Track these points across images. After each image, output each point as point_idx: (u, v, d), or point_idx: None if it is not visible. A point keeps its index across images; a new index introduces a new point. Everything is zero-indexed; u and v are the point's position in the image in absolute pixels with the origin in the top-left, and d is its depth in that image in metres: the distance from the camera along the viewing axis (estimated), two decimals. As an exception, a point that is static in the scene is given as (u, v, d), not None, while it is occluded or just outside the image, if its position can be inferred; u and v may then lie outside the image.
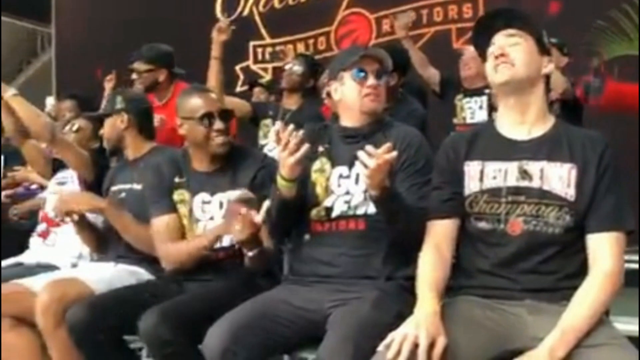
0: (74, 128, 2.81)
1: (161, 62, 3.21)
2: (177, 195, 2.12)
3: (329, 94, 2.03)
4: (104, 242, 2.39)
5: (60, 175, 2.86)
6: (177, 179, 2.13)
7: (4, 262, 2.54)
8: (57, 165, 2.99)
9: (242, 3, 6.62)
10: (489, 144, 1.64)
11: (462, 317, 1.51)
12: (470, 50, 3.86)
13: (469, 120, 3.66)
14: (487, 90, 3.66)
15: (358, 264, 1.77)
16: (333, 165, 1.85)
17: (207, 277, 2.04)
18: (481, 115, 3.63)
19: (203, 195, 2.09)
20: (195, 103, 2.08)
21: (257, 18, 6.53)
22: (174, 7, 6.74)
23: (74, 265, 2.51)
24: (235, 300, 1.77)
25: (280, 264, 2.27)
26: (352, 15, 6.06)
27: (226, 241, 2.05)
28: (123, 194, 2.37)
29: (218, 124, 2.05)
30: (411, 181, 1.78)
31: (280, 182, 1.74)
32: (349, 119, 1.89)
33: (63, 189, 2.71)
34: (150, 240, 2.15)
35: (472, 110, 3.68)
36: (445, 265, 1.61)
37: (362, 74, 1.84)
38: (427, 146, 1.88)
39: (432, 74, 3.77)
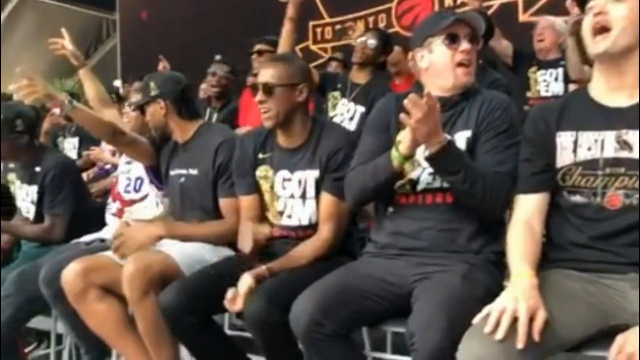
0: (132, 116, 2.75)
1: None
2: (260, 171, 2.12)
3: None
4: None
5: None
6: (260, 155, 2.13)
7: (86, 238, 2.63)
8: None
9: (301, -17, 6.60)
10: (582, 112, 1.55)
11: (559, 290, 1.46)
12: (544, 20, 3.73)
13: (543, 94, 3.53)
14: (562, 62, 3.52)
15: (444, 238, 1.72)
16: None
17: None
18: (557, 88, 3.49)
19: (284, 173, 2.09)
20: None
21: (317, -3, 6.51)
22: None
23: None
24: (320, 277, 1.76)
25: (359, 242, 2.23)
26: (413, -9, 5.95)
27: (305, 220, 2.06)
28: (182, 179, 2.36)
29: (258, 96, 2.03)
30: (492, 144, 1.71)
31: (394, 154, 1.68)
32: (437, 88, 1.79)
33: (131, 168, 2.75)
34: (219, 235, 2.20)
35: (546, 83, 3.55)
36: (536, 240, 1.56)
37: (455, 39, 1.77)
38: (514, 112, 1.79)
39: (505, 46, 3.64)
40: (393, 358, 2.07)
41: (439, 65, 1.79)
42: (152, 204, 2.67)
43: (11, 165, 2.89)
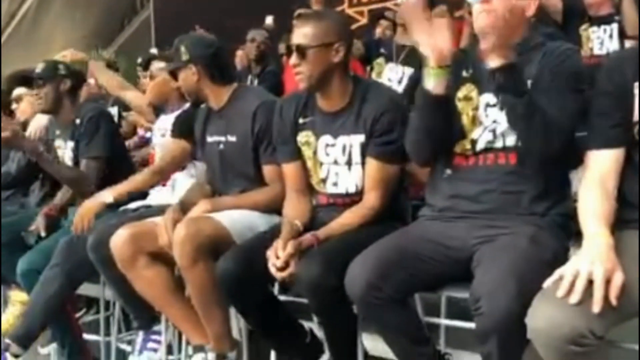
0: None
1: None
2: (301, 137, 2.04)
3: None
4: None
5: (161, 124, 2.83)
6: (301, 120, 2.03)
7: (132, 205, 2.62)
8: (157, 112, 3.05)
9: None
10: None
11: (635, 252, 1.37)
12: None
13: (597, 52, 3.36)
14: (616, 17, 3.35)
15: (507, 201, 1.64)
16: (480, 92, 1.69)
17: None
18: (611, 46, 3.32)
19: (327, 138, 1.99)
20: None
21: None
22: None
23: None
24: (373, 241, 1.71)
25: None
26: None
27: (352, 187, 1.98)
28: (221, 146, 2.27)
29: (291, 59, 1.93)
30: (551, 87, 1.58)
31: (428, 73, 1.59)
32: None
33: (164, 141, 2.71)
34: (266, 204, 2.15)
35: (600, 40, 3.37)
36: (611, 200, 1.46)
37: None
38: (579, 59, 1.70)
39: (554, 2, 3.46)
40: (448, 323, 2.02)
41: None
42: (192, 172, 2.65)
43: (57, 132, 2.89)
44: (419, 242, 1.67)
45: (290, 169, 2.07)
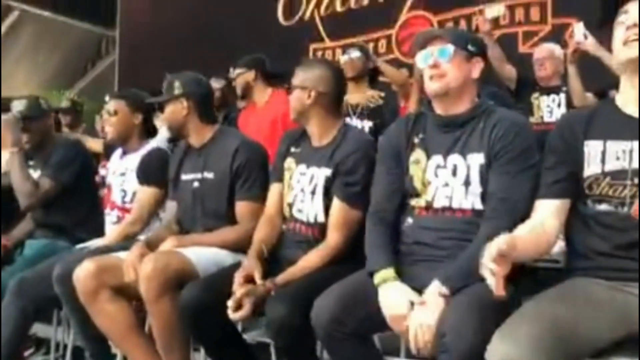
0: (112, 111, 2.67)
1: (250, 64, 3.41)
2: (286, 163, 2.15)
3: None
4: None
5: (119, 163, 2.77)
6: (292, 149, 2.16)
7: (91, 245, 2.60)
8: (109, 152, 3.11)
9: (303, 7, 6.72)
10: (610, 122, 1.58)
11: (584, 296, 1.48)
12: (544, 50, 3.82)
13: (547, 119, 3.60)
14: (564, 88, 3.61)
15: (464, 247, 1.70)
16: (429, 156, 1.81)
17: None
18: (559, 113, 3.56)
19: (302, 167, 2.10)
20: None
21: (318, 21, 6.61)
22: (236, 11, 6.86)
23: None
24: (337, 280, 1.77)
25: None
26: (414, 18, 6.05)
27: (312, 217, 2.06)
28: (196, 184, 2.31)
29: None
30: (505, 170, 1.70)
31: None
32: (437, 107, 1.85)
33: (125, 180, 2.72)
34: (234, 242, 2.20)
35: (550, 109, 3.62)
36: (543, 240, 1.58)
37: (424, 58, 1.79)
38: (529, 133, 1.80)
39: (509, 71, 3.72)
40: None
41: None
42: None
43: (31, 162, 2.85)
44: None
45: (275, 188, 2.17)
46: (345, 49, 3.87)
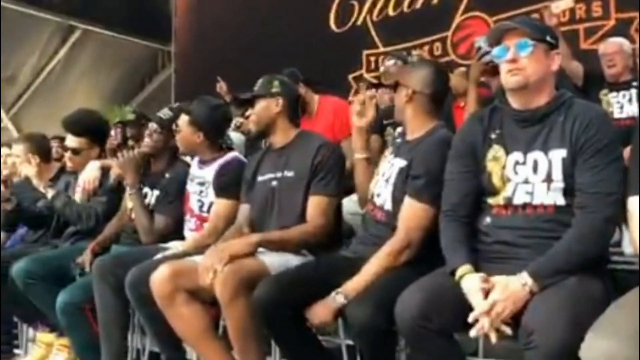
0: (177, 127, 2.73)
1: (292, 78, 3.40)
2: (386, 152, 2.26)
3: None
4: None
5: (198, 172, 2.79)
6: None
7: (170, 245, 2.65)
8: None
9: (355, 13, 6.72)
10: None
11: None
12: (613, 45, 3.67)
13: (617, 115, 3.47)
14: (634, 83, 3.47)
15: (549, 246, 1.65)
16: (507, 152, 1.77)
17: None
18: (631, 109, 3.43)
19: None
20: None
21: (370, 27, 6.60)
22: (289, 21, 6.93)
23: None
24: (412, 278, 1.75)
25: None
26: (469, 19, 5.97)
27: (383, 203, 2.09)
28: (274, 183, 2.35)
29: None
30: (591, 164, 1.64)
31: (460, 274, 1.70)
32: (514, 101, 1.81)
33: (204, 190, 2.75)
34: (309, 237, 2.22)
35: (620, 105, 3.49)
36: None
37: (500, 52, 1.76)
38: (611, 125, 1.74)
39: (575, 67, 3.60)
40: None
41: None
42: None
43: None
44: None
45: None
46: (386, 57, 3.84)
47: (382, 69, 3.64)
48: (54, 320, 2.71)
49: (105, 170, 3.13)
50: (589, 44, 5.10)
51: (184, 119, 2.68)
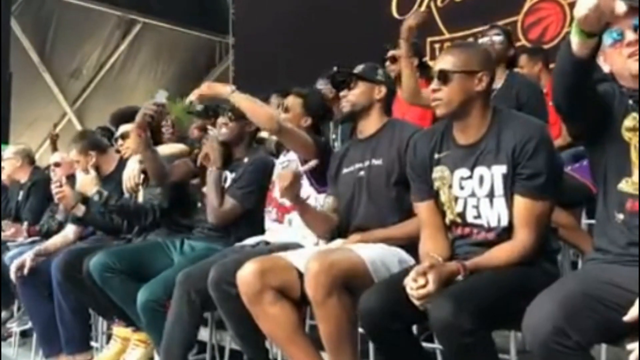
0: (284, 106, 2.73)
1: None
2: (436, 172, 1.95)
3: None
4: (332, 228, 2.32)
5: (283, 159, 2.79)
6: (436, 155, 1.96)
7: (250, 241, 2.58)
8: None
9: (418, 0, 6.52)
10: None
11: None
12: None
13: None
14: None
15: None
16: None
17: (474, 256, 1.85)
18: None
19: (463, 171, 1.90)
20: None
21: (435, 13, 6.37)
22: (350, 9, 6.77)
23: (316, 244, 2.46)
24: (529, 284, 1.59)
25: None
26: (542, 2, 5.69)
27: (494, 221, 1.85)
28: (362, 173, 2.27)
29: (433, 84, 1.94)
30: None
31: (574, 35, 1.45)
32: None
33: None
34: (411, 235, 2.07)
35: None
36: None
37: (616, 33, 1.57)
38: None
39: None
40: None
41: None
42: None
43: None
44: (604, 287, 1.50)
45: (423, 208, 1.99)
46: (485, 31, 3.58)
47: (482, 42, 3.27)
48: (131, 315, 2.66)
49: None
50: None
51: (296, 101, 2.70)
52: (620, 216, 1.58)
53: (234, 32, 8.58)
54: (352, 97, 2.33)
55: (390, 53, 3.64)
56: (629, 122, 1.60)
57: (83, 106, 8.52)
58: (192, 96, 2.65)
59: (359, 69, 2.40)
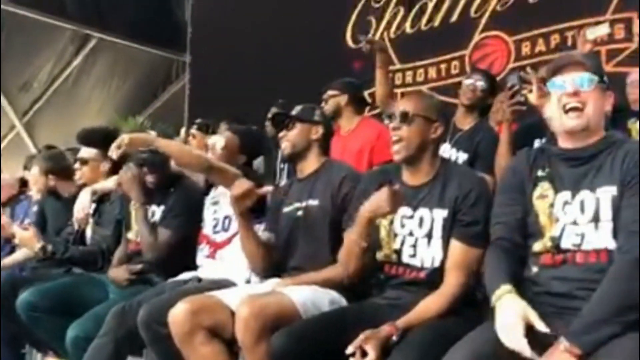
0: (221, 145, 2.79)
1: (344, 88, 3.35)
2: None
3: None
4: (268, 260, 2.38)
5: (213, 194, 2.86)
6: None
7: (182, 277, 2.60)
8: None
9: (372, 30, 6.66)
10: None
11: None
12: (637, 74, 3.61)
13: (644, 142, 3.38)
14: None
15: None
16: (556, 190, 1.71)
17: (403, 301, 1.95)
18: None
19: (405, 210, 2.01)
20: None
21: (387, 43, 6.52)
22: (306, 36, 6.87)
23: (248, 281, 2.52)
24: (456, 334, 1.67)
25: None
26: (488, 38, 5.89)
27: (427, 261, 1.96)
28: (299, 213, 2.34)
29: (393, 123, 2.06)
30: (634, 200, 1.58)
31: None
32: (566, 140, 1.75)
33: (217, 209, 2.74)
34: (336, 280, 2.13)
35: (644, 132, 3.40)
36: None
37: (561, 84, 1.69)
38: None
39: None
40: None
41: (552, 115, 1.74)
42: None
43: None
44: None
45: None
46: (471, 72, 3.71)
47: (466, 83, 3.38)
48: (60, 351, 2.65)
49: (105, 196, 3.09)
50: (612, 67, 5.01)
51: (234, 139, 2.79)
52: (535, 269, 1.69)
53: (191, 50, 8.58)
54: (290, 137, 2.40)
55: (326, 94, 3.64)
56: (537, 192, 1.73)
57: (33, 120, 8.36)
58: (112, 152, 2.51)
59: (297, 109, 2.47)
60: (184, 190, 2.82)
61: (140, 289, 2.62)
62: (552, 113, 1.74)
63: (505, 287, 1.59)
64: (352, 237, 1.99)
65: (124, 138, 2.47)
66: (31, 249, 2.99)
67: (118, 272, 2.77)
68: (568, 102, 1.68)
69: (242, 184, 2.24)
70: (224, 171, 2.55)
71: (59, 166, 3.42)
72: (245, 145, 2.78)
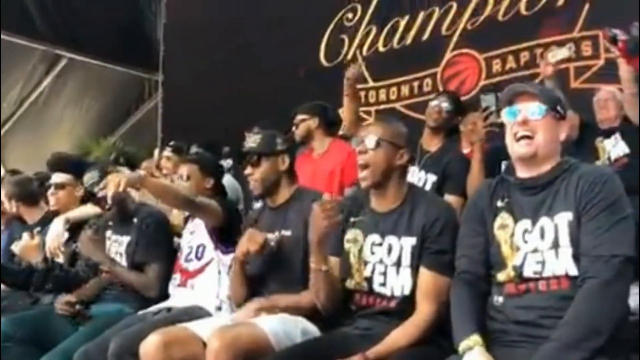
0: (184, 177, 2.77)
1: (313, 111, 3.38)
2: (350, 235, 2.06)
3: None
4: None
5: (191, 225, 2.82)
6: (352, 218, 2.07)
7: (152, 308, 2.56)
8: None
9: (345, 48, 6.71)
10: None
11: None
12: (605, 92, 3.69)
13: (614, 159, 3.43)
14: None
15: None
16: (516, 220, 1.72)
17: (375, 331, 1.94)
18: (618, 151, 3.40)
19: (374, 237, 2.01)
20: None
21: (360, 62, 6.57)
22: (279, 55, 6.89)
23: (219, 308, 2.49)
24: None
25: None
26: (460, 56, 5.97)
27: (397, 290, 1.95)
28: (272, 243, 2.30)
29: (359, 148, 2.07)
30: (595, 224, 1.59)
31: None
32: (520, 169, 1.77)
33: (193, 238, 2.72)
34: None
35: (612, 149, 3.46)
36: None
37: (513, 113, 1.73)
38: (617, 184, 1.67)
39: (571, 118, 3.57)
40: None
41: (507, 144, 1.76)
42: (214, 272, 2.61)
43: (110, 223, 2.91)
44: None
45: (331, 263, 2.08)
46: (437, 94, 3.75)
47: (432, 105, 3.41)
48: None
49: (77, 226, 3.03)
50: (579, 84, 5.11)
51: (193, 168, 2.77)
52: (500, 299, 1.69)
53: (164, 69, 8.54)
54: (258, 174, 2.35)
55: (296, 119, 3.61)
56: (497, 223, 1.74)
57: (3, 140, 8.21)
58: (110, 190, 2.39)
59: (257, 142, 2.37)
60: (154, 219, 2.80)
61: (109, 319, 2.55)
62: (507, 141, 1.77)
63: (475, 339, 1.59)
64: (312, 265, 2.00)
65: (121, 180, 2.34)
66: (33, 259, 2.92)
67: (60, 300, 2.70)
68: (518, 131, 1.71)
69: (256, 237, 2.19)
70: (204, 206, 2.53)
71: (25, 192, 3.34)
72: (206, 169, 2.77)
